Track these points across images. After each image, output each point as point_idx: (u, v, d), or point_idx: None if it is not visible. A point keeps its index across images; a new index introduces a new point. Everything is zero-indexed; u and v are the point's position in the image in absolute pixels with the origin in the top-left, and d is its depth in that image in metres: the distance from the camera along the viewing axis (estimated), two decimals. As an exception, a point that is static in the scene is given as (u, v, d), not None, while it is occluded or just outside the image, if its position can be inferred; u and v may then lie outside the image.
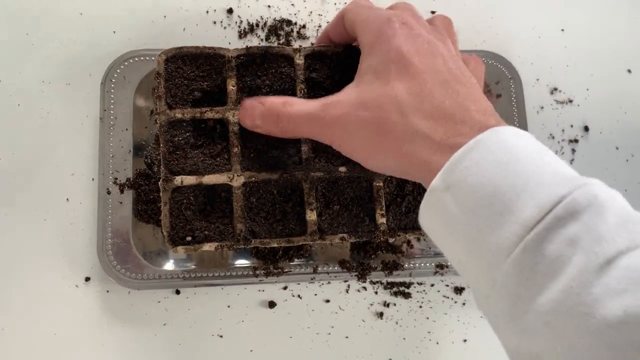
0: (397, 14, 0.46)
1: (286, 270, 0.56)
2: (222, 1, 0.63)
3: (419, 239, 0.58)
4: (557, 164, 0.38)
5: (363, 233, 0.53)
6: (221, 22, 0.62)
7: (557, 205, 0.34)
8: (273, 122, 0.48)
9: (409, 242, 0.58)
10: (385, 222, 0.53)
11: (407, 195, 0.55)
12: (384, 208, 0.53)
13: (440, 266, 0.57)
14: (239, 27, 0.62)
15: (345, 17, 0.50)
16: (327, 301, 0.58)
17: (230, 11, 0.62)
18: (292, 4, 0.64)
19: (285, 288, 0.58)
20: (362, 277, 0.57)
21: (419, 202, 0.54)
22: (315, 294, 0.58)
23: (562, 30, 0.67)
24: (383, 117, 0.42)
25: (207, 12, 0.62)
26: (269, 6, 0.63)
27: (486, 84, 0.62)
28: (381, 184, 0.53)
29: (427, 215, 0.41)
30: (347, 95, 0.45)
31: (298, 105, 0.47)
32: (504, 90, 0.62)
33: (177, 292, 0.56)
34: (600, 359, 0.31)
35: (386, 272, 0.57)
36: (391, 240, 0.55)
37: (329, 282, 0.58)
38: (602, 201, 0.35)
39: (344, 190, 0.54)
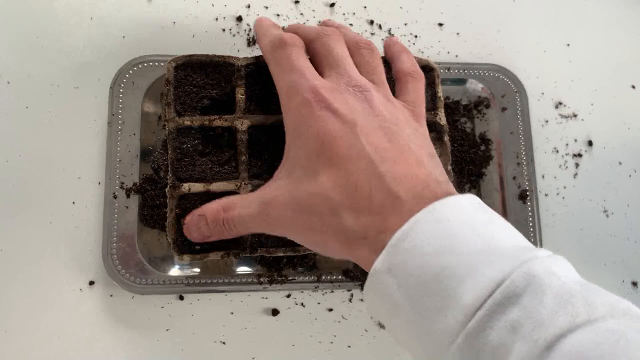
0: (318, 86, 0.44)
1: (290, 278, 0.56)
2: (232, 9, 0.63)
3: None
4: (499, 235, 0.37)
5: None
6: (230, 29, 0.63)
7: (496, 290, 0.34)
8: (221, 229, 0.47)
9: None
10: (389, 233, 0.53)
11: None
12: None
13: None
14: (248, 35, 0.63)
15: (266, 60, 0.50)
16: (330, 310, 0.58)
17: (239, 19, 0.63)
18: (301, 13, 0.64)
19: (288, 296, 0.58)
20: (364, 285, 0.57)
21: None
22: (319, 303, 0.58)
23: (568, 45, 0.68)
24: (318, 222, 0.41)
25: (217, 19, 0.63)
26: (278, 15, 0.63)
27: (492, 96, 0.62)
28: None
29: (370, 297, 0.40)
30: (282, 193, 0.44)
31: (238, 208, 0.46)
32: (509, 104, 0.63)
33: (181, 297, 0.56)
34: None
35: (390, 282, 0.57)
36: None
37: (332, 291, 0.58)
38: (541, 280, 0.34)
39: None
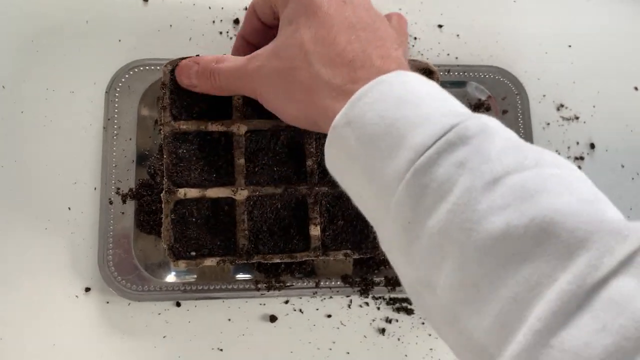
0: None
1: (288, 284, 0.55)
2: (229, 12, 0.62)
3: None
4: (457, 104, 0.39)
5: (367, 249, 0.53)
6: (227, 32, 0.62)
7: (449, 132, 0.35)
8: (207, 79, 0.49)
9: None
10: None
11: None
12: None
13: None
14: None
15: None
16: (329, 316, 0.57)
17: (236, 22, 0.62)
18: None
19: (286, 302, 0.57)
20: (364, 292, 0.56)
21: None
22: (317, 309, 0.57)
23: (569, 46, 0.67)
24: (291, 66, 0.43)
25: (214, 22, 0.62)
26: None
27: (493, 98, 0.62)
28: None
29: (330, 152, 0.42)
30: (266, 47, 0.46)
31: (229, 61, 0.48)
32: (510, 106, 0.62)
33: (178, 304, 0.56)
34: (487, 272, 0.33)
35: (389, 287, 0.56)
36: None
37: (330, 297, 0.57)
38: (493, 129, 0.36)
39: (348, 205, 0.53)
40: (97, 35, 0.60)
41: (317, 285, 0.56)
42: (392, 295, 0.58)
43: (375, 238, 0.52)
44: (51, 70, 0.59)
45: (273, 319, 0.57)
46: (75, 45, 0.60)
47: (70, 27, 0.60)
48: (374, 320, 0.58)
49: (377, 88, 0.39)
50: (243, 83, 0.48)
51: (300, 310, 0.57)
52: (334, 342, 0.57)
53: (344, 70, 0.41)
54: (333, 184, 0.52)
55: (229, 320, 0.56)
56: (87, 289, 0.55)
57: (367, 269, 0.57)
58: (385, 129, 0.37)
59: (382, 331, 0.58)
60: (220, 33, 0.62)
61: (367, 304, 0.58)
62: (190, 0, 0.62)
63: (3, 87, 0.58)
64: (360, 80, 0.40)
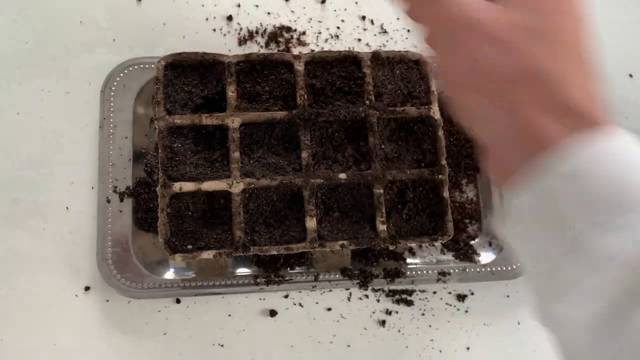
0: None
1: (287, 278, 0.55)
2: (222, 8, 0.63)
3: (420, 246, 0.58)
4: None
5: (363, 240, 0.53)
6: (221, 29, 0.62)
7: None
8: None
9: (410, 249, 0.58)
10: (385, 229, 0.53)
11: (407, 203, 0.55)
12: (384, 215, 0.53)
13: (443, 273, 0.57)
14: (239, 34, 0.62)
15: None
16: (329, 309, 0.57)
17: (230, 18, 0.62)
18: (292, 11, 0.64)
19: (286, 296, 0.57)
20: (363, 284, 0.56)
21: (420, 210, 0.55)
22: (317, 302, 0.57)
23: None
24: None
25: (207, 19, 0.62)
26: (268, 13, 0.63)
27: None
28: (381, 190, 0.53)
29: (528, 196, 0.35)
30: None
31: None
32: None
33: (178, 301, 0.56)
34: None
35: (388, 279, 0.56)
36: (392, 248, 0.55)
37: (330, 290, 0.57)
38: None
39: (344, 197, 0.54)
40: (91, 35, 0.60)
41: (316, 279, 0.56)
42: (392, 287, 0.58)
43: (371, 229, 0.52)
44: (46, 72, 0.59)
45: (273, 313, 0.57)
46: (69, 46, 0.60)
47: (65, 28, 0.60)
48: (373, 312, 0.58)
49: (602, 140, 0.33)
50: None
51: (300, 304, 0.57)
52: (334, 335, 0.57)
53: (581, 105, 0.35)
54: (328, 176, 0.52)
55: (229, 315, 0.56)
56: (87, 288, 0.55)
57: (365, 261, 0.57)
58: (611, 192, 0.32)
59: (383, 323, 0.58)
60: (214, 30, 0.62)
61: (366, 296, 0.58)
62: None
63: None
64: (587, 125, 0.34)
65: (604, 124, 0.34)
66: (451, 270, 0.57)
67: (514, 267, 0.58)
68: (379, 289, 0.58)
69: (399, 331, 0.58)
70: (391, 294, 0.58)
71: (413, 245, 0.57)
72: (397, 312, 0.58)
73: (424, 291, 0.59)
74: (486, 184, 0.60)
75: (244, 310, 0.57)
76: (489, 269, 0.58)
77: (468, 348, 0.58)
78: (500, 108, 0.37)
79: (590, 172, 0.33)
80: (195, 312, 0.56)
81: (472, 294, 0.59)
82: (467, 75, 0.38)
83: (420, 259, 0.58)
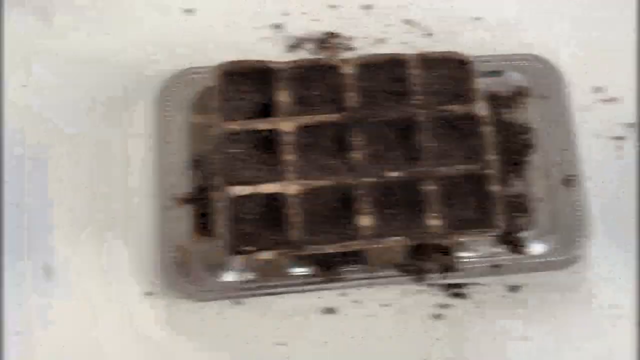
0: None
1: (344, 275, 0.57)
2: (270, 17, 0.65)
3: (473, 240, 0.59)
4: None
5: (417, 235, 0.54)
6: (269, 38, 0.64)
7: None
8: None
9: (463, 243, 0.59)
10: (437, 224, 0.54)
11: (458, 198, 0.56)
12: (435, 210, 0.54)
13: (495, 265, 0.58)
14: (288, 41, 0.64)
15: None
16: (386, 305, 0.59)
17: (277, 26, 0.64)
18: (338, 17, 0.65)
19: (343, 295, 0.58)
20: (419, 279, 0.57)
21: (470, 204, 0.56)
22: (373, 299, 0.59)
23: (600, 30, 0.68)
24: None
25: (256, 28, 0.65)
26: (315, 20, 0.65)
27: (531, 85, 0.63)
28: (432, 187, 0.54)
29: None
30: None
31: None
32: (549, 92, 0.63)
33: (238, 302, 0.57)
34: None
35: (442, 273, 0.57)
36: (444, 242, 0.56)
37: (386, 287, 0.59)
38: None
39: (396, 194, 0.55)
40: (145, 49, 0.63)
41: (371, 275, 0.57)
42: (446, 282, 0.59)
43: (424, 224, 0.54)
44: (103, 90, 0.62)
45: (332, 311, 0.58)
46: (124, 63, 0.62)
47: (116, 39, 0.63)
48: (429, 307, 0.59)
49: None
50: None
51: (357, 302, 0.59)
52: (392, 330, 0.58)
53: None
54: (380, 174, 0.54)
55: (290, 315, 0.58)
56: (149, 293, 0.57)
57: (419, 256, 0.58)
58: None
59: (439, 317, 0.59)
60: (263, 38, 0.64)
61: (421, 291, 0.59)
62: (233, 8, 0.65)
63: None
64: None
65: None
66: (503, 263, 0.58)
67: (565, 257, 0.59)
68: (433, 284, 0.59)
69: (456, 324, 0.59)
70: (445, 288, 0.59)
71: (465, 239, 0.58)
72: (453, 306, 0.59)
73: (477, 284, 0.60)
74: (533, 176, 0.61)
75: (303, 309, 0.58)
76: (539, 260, 0.59)
77: (525, 337, 0.59)
78: None
79: None
80: (256, 312, 0.57)
81: (526, 285, 0.60)
82: None
83: (473, 252, 0.59)
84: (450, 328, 0.59)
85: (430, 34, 0.66)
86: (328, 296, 0.58)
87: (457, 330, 0.59)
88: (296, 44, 0.64)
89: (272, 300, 0.58)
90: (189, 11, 0.65)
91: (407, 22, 0.66)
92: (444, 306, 0.59)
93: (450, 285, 0.59)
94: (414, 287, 0.59)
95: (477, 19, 0.67)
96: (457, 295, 0.59)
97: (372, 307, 0.59)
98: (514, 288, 0.60)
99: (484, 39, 0.66)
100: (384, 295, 0.59)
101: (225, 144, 0.53)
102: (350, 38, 0.65)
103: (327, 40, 0.64)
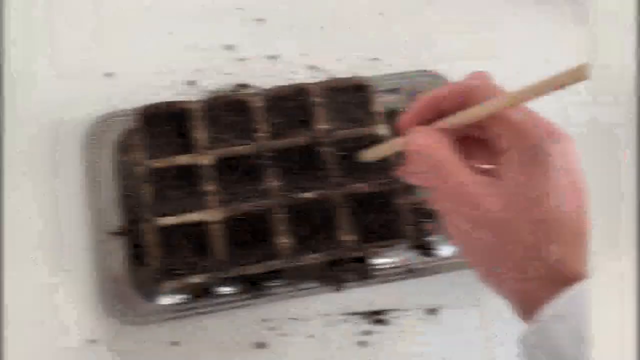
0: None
1: (269, 291, 0.61)
2: (184, 75, 0.69)
3: (386, 249, 0.63)
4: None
5: (332, 251, 0.59)
6: (185, 93, 0.67)
7: None
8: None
9: (378, 252, 0.63)
10: (350, 239, 0.59)
11: (368, 213, 0.61)
12: (346, 225, 0.59)
13: (409, 270, 0.63)
14: (202, 96, 0.67)
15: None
16: (312, 336, 0.62)
17: (192, 82, 0.68)
18: (247, 69, 0.70)
19: (272, 329, 0.62)
20: (338, 289, 0.61)
21: (378, 216, 0.60)
22: (300, 332, 0.62)
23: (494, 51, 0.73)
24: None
25: (171, 86, 0.68)
26: (226, 74, 0.69)
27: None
28: (343, 205, 0.60)
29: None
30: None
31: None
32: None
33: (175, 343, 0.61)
34: None
35: (360, 282, 0.62)
36: (358, 255, 0.61)
37: (310, 320, 0.62)
38: None
39: (311, 213, 0.60)
40: (66, 111, 0.65)
41: (295, 289, 0.61)
42: (368, 309, 0.63)
43: (339, 239, 0.59)
44: (28, 138, 0.64)
45: (261, 345, 0.61)
46: (45, 107, 0.65)
47: (40, 85, 0.66)
48: (353, 334, 0.62)
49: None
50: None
51: (285, 334, 0.62)
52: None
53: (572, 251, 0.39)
54: (295, 195, 0.59)
55: (221, 351, 0.61)
56: (92, 341, 0.60)
57: (337, 268, 0.62)
58: None
59: (363, 344, 0.62)
60: (179, 94, 0.67)
61: (345, 320, 0.62)
62: (148, 69, 0.68)
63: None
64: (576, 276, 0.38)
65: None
66: (417, 267, 0.63)
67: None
68: (356, 313, 0.63)
69: (379, 349, 0.63)
70: (367, 315, 0.63)
71: (378, 250, 0.62)
72: (375, 332, 0.63)
73: (397, 309, 0.64)
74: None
75: (234, 345, 0.61)
76: (450, 261, 0.64)
77: (444, 358, 0.63)
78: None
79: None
80: (188, 334, 0.61)
81: (441, 307, 0.64)
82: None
83: (387, 259, 0.63)
84: (376, 353, 0.62)
85: (333, 76, 0.70)
86: (258, 331, 0.62)
87: (382, 355, 0.63)
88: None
89: (207, 320, 0.61)
90: (109, 75, 0.68)
91: (311, 67, 0.71)
92: (367, 333, 0.63)
93: (372, 313, 0.63)
94: (339, 317, 0.63)
95: (375, 59, 0.72)
96: (379, 322, 0.63)
97: (299, 339, 0.62)
98: (431, 311, 0.64)
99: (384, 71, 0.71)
100: (312, 327, 0.62)
101: (149, 179, 0.58)
102: (260, 87, 0.68)
103: (239, 91, 0.68)
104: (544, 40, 0.75)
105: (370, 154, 0.48)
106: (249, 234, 0.59)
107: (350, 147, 0.62)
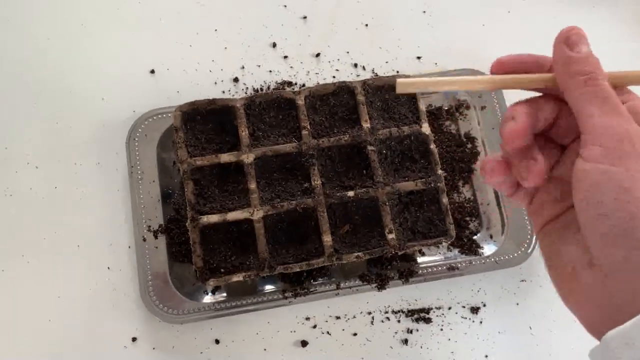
0: None
1: (312, 289, 0.60)
2: (228, 72, 0.69)
3: (429, 247, 0.63)
4: None
5: (375, 249, 0.58)
6: (229, 90, 0.68)
7: None
8: None
9: (420, 250, 0.63)
10: (393, 237, 0.58)
11: (411, 211, 0.61)
12: (391, 224, 0.58)
13: (452, 268, 0.62)
14: (245, 93, 0.68)
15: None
16: (355, 334, 0.62)
17: (236, 80, 0.69)
18: (291, 67, 0.70)
19: (314, 327, 0.62)
20: (381, 287, 0.61)
21: (421, 215, 0.60)
22: (343, 329, 0.62)
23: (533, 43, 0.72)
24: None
25: (216, 83, 0.69)
26: (270, 71, 0.70)
27: (470, 97, 0.68)
28: (386, 203, 0.59)
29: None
30: None
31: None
32: (487, 102, 0.68)
33: (217, 318, 0.60)
34: None
35: (403, 279, 0.61)
36: (400, 253, 0.60)
37: (354, 317, 0.62)
38: None
39: (354, 212, 0.60)
40: (113, 109, 0.67)
41: (338, 287, 0.60)
42: (410, 308, 0.63)
43: (381, 238, 0.58)
44: (76, 147, 0.65)
45: (304, 344, 0.61)
46: (94, 121, 0.66)
47: (89, 106, 0.67)
48: (396, 332, 0.62)
49: None
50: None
51: (328, 333, 0.62)
52: (362, 358, 0.61)
53: None
54: (337, 194, 0.58)
55: (265, 350, 0.61)
56: (134, 339, 0.60)
57: (380, 266, 0.61)
58: None
59: (405, 342, 0.62)
60: (223, 92, 0.68)
61: (388, 318, 0.62)
62: (192, 67, 0.69)
63: (36, 167, 0.64)
64: None
65: None
66: (459, 265, 0.62)
67: (515, 255, 0.63)
68: (399, 311, 0.63)
69: (421, 347, 0.62)
70: (410, 313, 0.63)
71: (420, 247, 0.62)
72: (417, 330, 0.62)
73: (440, 308, 0.63)
74: (480, 183, 0.66)
75: (277, 343, 0.61)
76: (493, 260, 0.63)
77: (486, 356, 0.62)
78: None
79: None
80: (231, 332, 0.61)
81: (484, 305, 0.64)
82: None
83: (430, 257, 0.63)
84: (417, 351, 0.62)
85: (377, 75, 0.70)
86: (301, 330, 0.62)
87: (424, 353, 0.62)
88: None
89: (247, 318, 0.61)
90: (152, 73, 0.69)
91: (355, 65, 0.71)
92: (410, 331, 0.62)
93: (414, 311, 0.63)
94: (382, 315, 0.63)
95: (419, 57, 0.72)
96: (422, 319, 0.63)
97: (342, 337, 0.62)
98: (474, 309, 0.63)
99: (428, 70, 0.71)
100: (353, 325, 0.62)
101: (192, 177, 0.58)
102: (303, 85, 0.69)
103: (282, 89, 0.68)
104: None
105: (410, 86, 0.46)
106: (291, 232, 0.59)
107: (396, 145, 0.62)
